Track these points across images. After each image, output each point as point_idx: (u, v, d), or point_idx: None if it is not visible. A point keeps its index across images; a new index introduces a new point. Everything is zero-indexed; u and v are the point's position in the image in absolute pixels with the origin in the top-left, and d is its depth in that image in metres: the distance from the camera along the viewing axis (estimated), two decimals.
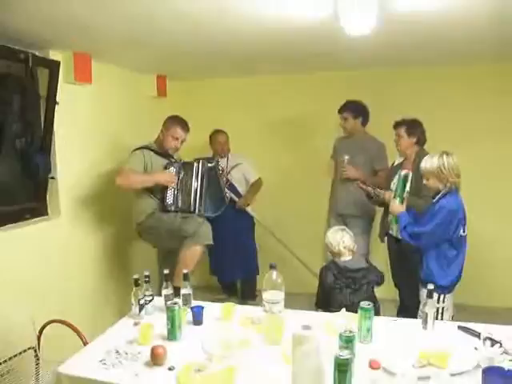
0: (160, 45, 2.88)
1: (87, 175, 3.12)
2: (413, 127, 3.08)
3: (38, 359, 2.40)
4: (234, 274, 4.06)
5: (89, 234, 3.16)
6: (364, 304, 1.90)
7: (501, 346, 1.78)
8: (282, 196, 4.16)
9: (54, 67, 2.68)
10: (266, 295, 1.96)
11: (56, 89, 2.72)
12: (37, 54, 2.73)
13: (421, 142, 3.10)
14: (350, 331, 1.66)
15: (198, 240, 2.85)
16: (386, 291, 3.18)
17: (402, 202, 2.62)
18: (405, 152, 3.11)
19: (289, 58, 3.35)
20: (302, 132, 4.10)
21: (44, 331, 2.37)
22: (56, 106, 2.76)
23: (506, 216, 3.76)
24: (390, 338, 1.92)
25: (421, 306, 2.01)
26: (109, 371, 1.73)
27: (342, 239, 2.66)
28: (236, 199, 3.85)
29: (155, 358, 1.76)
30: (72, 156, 2.99)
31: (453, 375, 1.61)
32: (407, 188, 2.66)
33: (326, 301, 2.46)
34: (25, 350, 2.37)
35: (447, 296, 2.53)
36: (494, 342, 1.81)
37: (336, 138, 3.63)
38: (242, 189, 3.91)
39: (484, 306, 3.60)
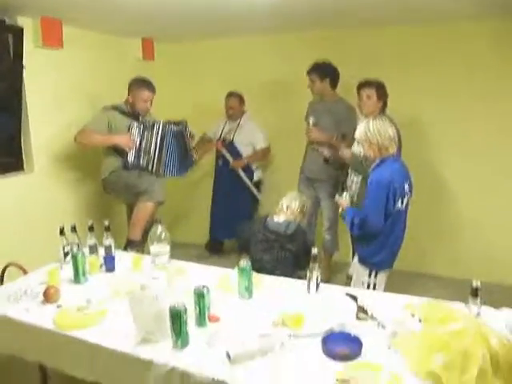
0: (135, 8, 2.93)
1: (62, 134, 3.36)
2: (382, 89, 2.97)
3: None
4: (221, 233, 4.21)
5: (62, 188, 3.46)
6: (242, 264, 1.95)
7: (363, 311, 1.77)
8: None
9: (16, 32, 2.90)
10: (152, 248, 2.09)
11: (21, 53, 2.95)
12: (6, 20, 2.97)
13: (386, 105, 2.99)
14: (203, 286, 1.74)
15: (150, 197, 3.04)
16: None
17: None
18: (369, 115, 2.99)
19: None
20: (289, 93, 4.01)
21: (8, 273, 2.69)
22: (23, 69, 3.00)
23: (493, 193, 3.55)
24: (270, 298, 1.97)
25: (307, 272, 2.00)
26: (7, 305, 1.97)
27: (290, 201, 2.65)
28: (230, 159, 3.94)
29: (46, 297, 1.98)
30: (45, 116, 3.25)
31: (292, 336, 1.64)
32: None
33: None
34: None
35: (380, 273, 2.45)
36: (360, 309, 1.81)
37: (309, 100, 3.54)
38: (247, 154, 3.99)
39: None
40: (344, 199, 2.53)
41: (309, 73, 3.31)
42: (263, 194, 4.09)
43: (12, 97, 3.00)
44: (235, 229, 3.96)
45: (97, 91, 3.62)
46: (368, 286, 2.45)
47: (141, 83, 3.24)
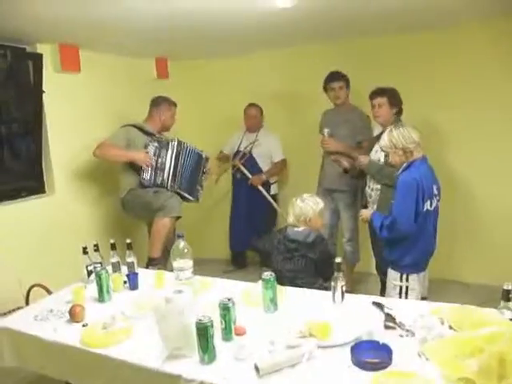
0: (148, 29, 2.99)
1: (81, 155, 3.41)
2: (395, 97, 2.96)
3: None
4: (241, 246, 4.21)
5: (83, 208, 3.51)
6: (266, 275, 1.94)
7: (391, 319, 1.74)
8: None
9: (36, 59, 2.99)
10: (175, 263, 2.09)
11: (41, 79, 3.04)
12: (27, 48, 3.08)
13: (400, 112, 2.98)
14: (229, 299, 1.73)
15: (166, 212, 3.05)
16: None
17: None
18: (385, 123, 2.98)
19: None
20: (303, 106, 4.04)
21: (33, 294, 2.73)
22: (43, 94, 3.09)
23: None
24: (295, 309, 1.95)
25: (332, 282, 1.98)
26: (35, 325, 1.99)
27: (301, 211, 2.60)
28: (249, 176, 3.96)
29: (72, 316, 2.00)
30: (64, 138, 3.32)
31: (320, 346, 1.62)
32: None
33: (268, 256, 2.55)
34: (14, 310, 2.76)
35: (411, 276, 2.42)
36: (388, 317, 1.77)
37: (322, 112, 3.54)
38: (265, 167, 4.01)
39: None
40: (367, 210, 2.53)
41: (337, 79, 3.29)
42: (280, 207, 4.07)
43: (33, 121, 3.09)
44: (255, 241, 4.04)
45: (113, 111, 3.69)
46: (400, 290, 2.43)
47: (168, 101, 3.39)
